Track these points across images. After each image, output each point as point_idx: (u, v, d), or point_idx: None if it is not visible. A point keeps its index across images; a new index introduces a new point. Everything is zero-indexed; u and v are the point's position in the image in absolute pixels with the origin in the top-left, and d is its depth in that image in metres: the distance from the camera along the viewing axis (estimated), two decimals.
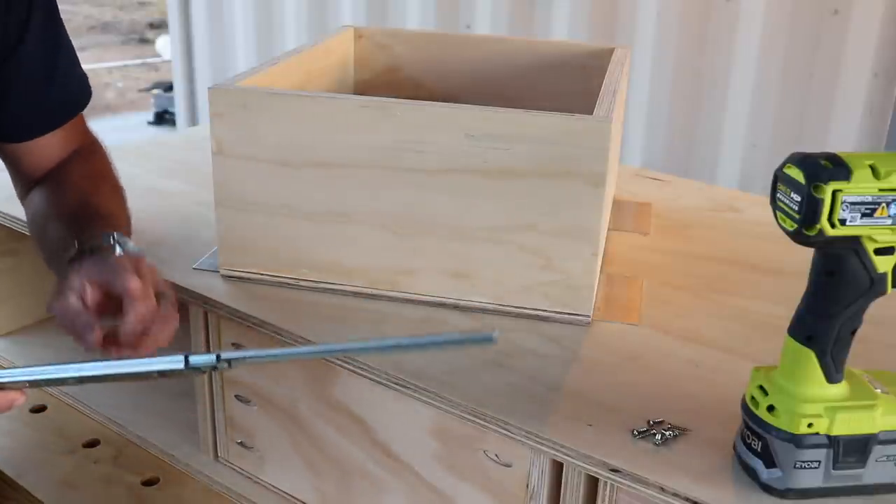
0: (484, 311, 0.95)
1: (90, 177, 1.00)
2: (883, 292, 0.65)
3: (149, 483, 1.08)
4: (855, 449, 0.67)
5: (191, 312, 1.00)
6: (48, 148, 1.00)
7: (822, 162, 0.62)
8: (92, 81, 1.06)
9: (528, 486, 0.80)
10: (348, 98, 1.00)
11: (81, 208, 0.93)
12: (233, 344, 0.99)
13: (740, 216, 1.29)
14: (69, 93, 1.01)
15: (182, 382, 1.08)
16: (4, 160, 1.03)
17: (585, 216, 0.89)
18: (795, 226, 0.63)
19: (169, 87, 5.21)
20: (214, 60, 3.37)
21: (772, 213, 0.66)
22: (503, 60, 1.28)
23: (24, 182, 1.02)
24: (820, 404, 0.67)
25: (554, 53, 1.27)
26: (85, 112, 1.05)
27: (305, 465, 0.99)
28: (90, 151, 1.04)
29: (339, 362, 0.88)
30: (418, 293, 0.97)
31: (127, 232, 0.91)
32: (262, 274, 1.00)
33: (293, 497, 1.01)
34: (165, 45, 6.22)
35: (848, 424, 0.67)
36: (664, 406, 0.79)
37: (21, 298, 1.35)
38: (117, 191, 1.00)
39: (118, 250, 0.83)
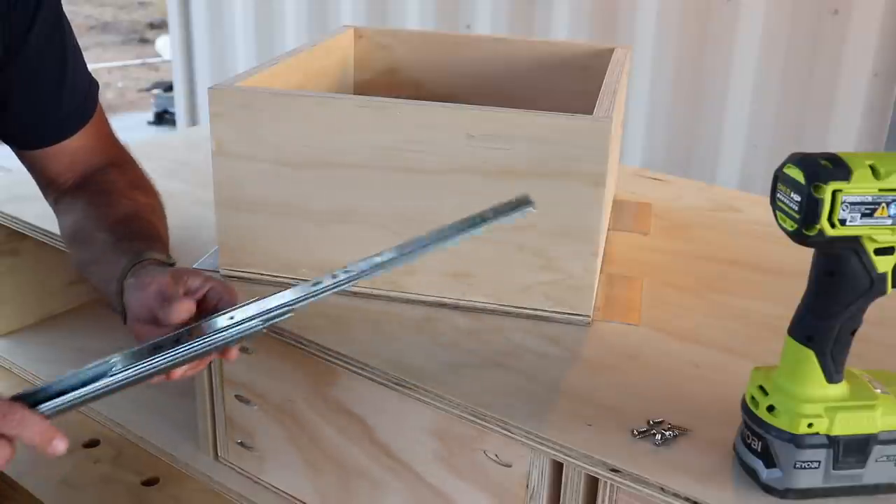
0: (484, 311, 0.95)
1: (133, 192, 0.99)
2: (883, 292, 0.65)
3: (149, 483, 1.08)
4: (855, 449, 0.67)
5: None
6: (71, 152, 0.99)
7: (822, 162, 0.62)
8: None
9: (528, 486, 0.80)
10: (348, 98, 1.00)
11: (135, 222, 0.93)
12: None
13: (740, 216, 1.29)
14: (81, 94, 1.01)
15: (182, 382, 1.08)
16: (29, 168, 1.02)
17: (585, 216, 0.89)
18: (795, 226, 0.63)
19: (169, 87, 5.22)
20: (214, 60, 3.36)
21: (772, 213, 0.66)
22: (503, 60, 1.28)
23: (52, 188, 1.01)
24: (820, 404, 0.67)
25: (554, 53, 1.27)
26: None
27: (305, 466, 0.99)
28: (128, 165, 1.04)
29: (339, 362, 0.88)
30: (418, 293, 0.97)
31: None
32: (262, 274, 1.00)
33: (293, 497, 1.01)
34: (165, 45, 6.22)
35: (848, 424, 0.67)
36: (664, 406, 0.79)
37: (21, 298, 1.35)
38: (160, 203, 1.01)
39: None
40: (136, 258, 0.85)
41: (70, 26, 0.99)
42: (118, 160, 1.03)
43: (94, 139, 1.02)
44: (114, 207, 0.95)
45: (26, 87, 0.95)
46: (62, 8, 0.97)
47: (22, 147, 0.99)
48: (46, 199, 1.03)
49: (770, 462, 0.68)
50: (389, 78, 1.33)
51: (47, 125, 0.98)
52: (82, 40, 1.04)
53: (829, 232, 0.62)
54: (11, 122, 0.96)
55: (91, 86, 1.02)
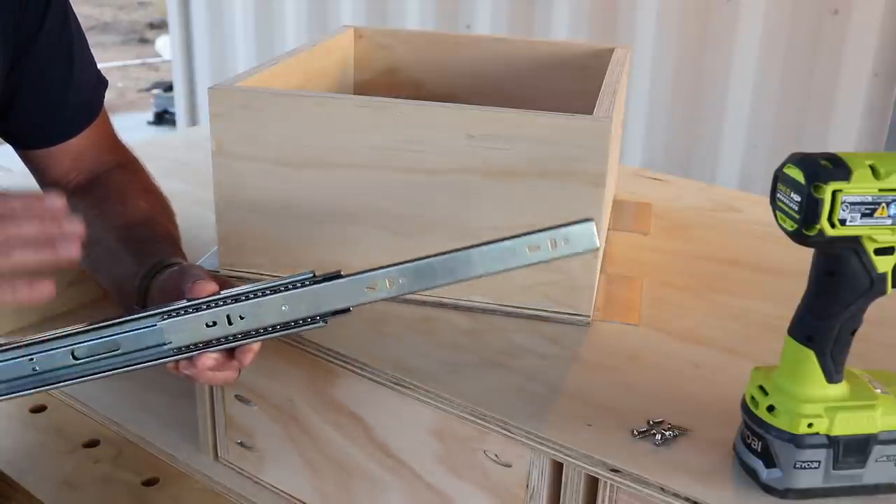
0: (484, 311, 0.95)
1: (146, 194, 0.99)
2: (883, 292, 0.65)
3: (149, 483, 1.08)
4: (855, 449, 0.67)
5: None
6: (76, 153, 0.99)
7: (822, 162, 0.62)
8: None
9: (528, 486, 0.80)
10: (348, 98, 1.00)
11: (153, 226, 0.93)
12: None
13: (740, 216, 1.29)
14: (88, 93, 1.01)
15: (182, 382, 1.08)
16: (33, 170, 1.02)
17: (585, 216, 0.89)
18: (795, 226, 0.63)
19: (169, 87, 5.22)
20: (214, 60, 3.37)
21: (772, 213, 0.66)
22: (503, 60, 1.28)
23: (56, 189, 1.02)
24: (820, 404, 0.67)
25: (554, 53, 1.27)
26: None
27: (305, 465, 0.99)
28: (136, 166, 1.04)
29: (339, 362, 0.88)
30: (418, 293, 0.96)
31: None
32: (262, 274, 1.00)
33: (293, 497, 1.01)
34: (165, 45, 6.23)
35: (848, 424, 0.67)
36: (664, 406, 0.79)
37: None
38: (169, 206, 1.01)
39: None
40: (161, 262, 0.84)
41: (78, 24, 0.99)
42: (124, 161, 1.03)
43: (99, 139, 1.02)
44: (127, 209, 0.95)
45: (34, 87, 0.95)
46: (70, 5, 0.97)
47: (26, 147, 0.99)
48: None
49: (770, 462, 0.68)
50: (389, 78, 1.33)
51: (53, 124, 0.98)
52: None
53: (829, 232, 0.62)
54: (17, 121, 0.96)
55: (98, 84, 1.02)
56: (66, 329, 0.73)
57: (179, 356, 0.74)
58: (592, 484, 0.75)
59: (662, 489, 0.69)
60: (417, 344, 0.89)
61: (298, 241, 0.98)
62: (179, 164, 1.38)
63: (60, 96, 0.97)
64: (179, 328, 0.72)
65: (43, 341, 0.72)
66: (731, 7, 2.20)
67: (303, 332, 0.74)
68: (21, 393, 0.73)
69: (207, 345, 0.73)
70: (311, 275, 0.73)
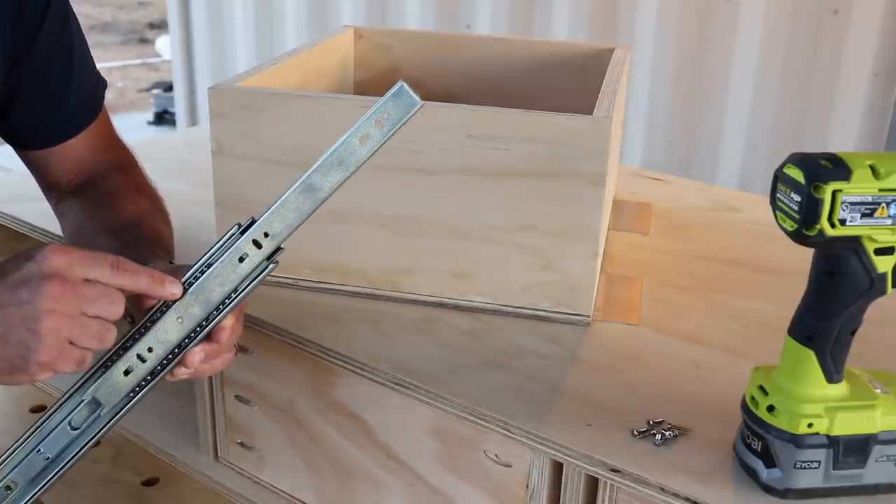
0: (484, 311, 0.95)
1: (138, 195, 0.99)
2: (883, 292, 0.65)
3: (149, 483, 1.08)
4: (855, 449, 0.67)
5: None
6: (75, 153, 0.99)
7: (822, 162, 0.62)
8: None
9: (528, 486, 0.80)
10: (348, 98, 1.00)
11: (140, 227, 0.92)
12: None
13: (740, 216, 1.29)
14: (88, 93, 1.01)
15: (182, 382, 1.08)
16: (33, 170, 1.02)
17: (585, 216, 0.89)
18: (795, 226, 0.63)
19: (169, 87, 5.22)
20: (214, 60, 3.36)
21: (772, 213, 0.66)
22: (503, 60, 1.28)
23: (55, 189, 1.01)
24: (820, 404, 0.67)
25: (554, 53, 1.27)
26: None
27: (305, 465, 0.99)
28: (132, 168, 1.04)
29: (339, 362, 0.88)
30: (418, 293, 0.96)
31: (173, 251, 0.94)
32: None
33: (293, 497, 1.01)
34: (165, 45, 6.22)
35: (848, 424, 0.67)
36: (664, 406, 0.79)
37: None
38: (163, 206, 1.01)
39: None
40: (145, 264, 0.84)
41: (78, 24, 0.99)
42: (122, 162, 1.03)
43: (99, 139, 1.02)
44: (117, 211, 0.95)
45: (33, 87, 0.95)
46: (70, 6, 0.97)
47: (26, 147, 0.99)
48: (49, 200, 1.03)
49: (770, 462, 0.68)
50: (389, 78, 1.33)
51: (52, 125, 0.98)
52: None
53: (829, 232, 0.62)
54: (17, 121, 0.96)
55: (98, 85, 1.02)
56: (48, 410, 0.74)
57: (157, 378, 0.76)
58: (592, 484, 0.75)
59: (662, 489, 0.69)
60: (417, 344, 0.89)
61: (298, 241, 0.98)
62: (179, 164, 1.38)
63: (60, 96, 0.97)
64: (106, 389, 0.74)
65: (36, 430, 0.73)
66: (731, 7, 2.20)
67: (221, 320, 0.73)
68: (46, 487, 0.75)
69: (181, 347, 0.74)
70: (190, 278, 0.73)
